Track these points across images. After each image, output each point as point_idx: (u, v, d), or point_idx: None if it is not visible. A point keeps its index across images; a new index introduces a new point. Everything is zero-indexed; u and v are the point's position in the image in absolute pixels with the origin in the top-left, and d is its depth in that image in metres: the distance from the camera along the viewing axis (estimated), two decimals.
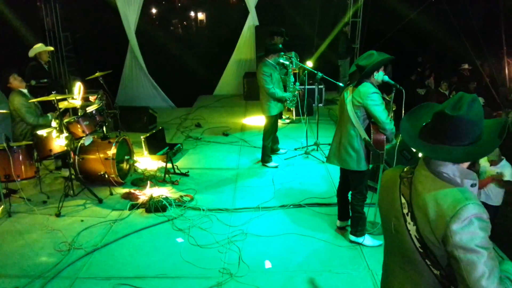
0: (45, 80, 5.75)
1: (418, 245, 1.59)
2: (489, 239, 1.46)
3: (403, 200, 1.66)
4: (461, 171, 1.57)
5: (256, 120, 8.16)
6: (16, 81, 5.29)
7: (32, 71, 6.02)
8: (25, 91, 5.40)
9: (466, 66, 10.20)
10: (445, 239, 1.48)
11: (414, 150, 3.98)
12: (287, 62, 6.23)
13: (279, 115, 6.96)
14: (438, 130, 1.59)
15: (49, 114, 5.46)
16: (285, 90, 6.10)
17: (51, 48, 6.79)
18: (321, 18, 10.38)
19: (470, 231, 1.44)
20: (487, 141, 1.56)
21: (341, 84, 7.43)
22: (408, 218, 1.62)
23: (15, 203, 4.80)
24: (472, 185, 1.58)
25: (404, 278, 1.72)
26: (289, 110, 8.07)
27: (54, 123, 4.87)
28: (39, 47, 6.40)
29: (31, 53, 6.34)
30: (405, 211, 1.64)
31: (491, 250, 1.45)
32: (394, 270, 1.78)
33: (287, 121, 8.14)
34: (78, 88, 5.42)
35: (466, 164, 1.60)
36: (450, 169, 1.57)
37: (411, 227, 1.61)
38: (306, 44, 10.30)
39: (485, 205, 5.04)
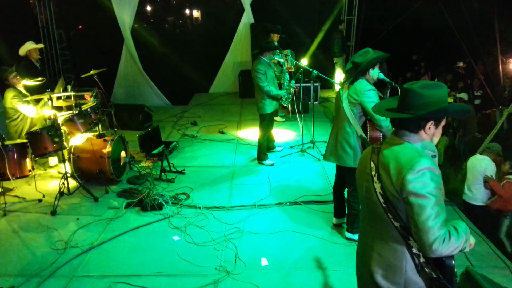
0: (40, 78, 5.71)
1: (382, 200, 1.86)
2: (440, 191, 1.74)
3: (372, 165, 1.94)
4: (422, 142, 1.86)
5: (251, 118, 8.16)
6: (14, 79, 5.25)
7: (23, 70, 5.96)
8: (21, 89, 5.36)
9: (461, 64, 10.27)
10: (401, 187, 1.75)
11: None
12: (282, 60, 6.24)
13: (275, 113, 6.97)
14: (398, 102, 1.91)
15: (44, 99, 5.37)
16: (280, 88, 6.11)
17: (41, 46, 6.68)
18: (316, 15, 10.37)
19: (422, 180, 1.72)
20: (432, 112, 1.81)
21: (336, 82, 7.45)
22: (375, 178, 1.90)
23: (10, 201, 4.77)
24: (433, 156, 1.85)
25: (374, 235, 1.96)
26: (284, 107, 8.08)
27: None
28: (28, 44, 6.32)
29: (21, 52, 6.28)
30: (373, 173, 1.92)
31: (440, 199, 1.73)
32: (366, 229, 2.04)
33: (283, 119, 8.15)
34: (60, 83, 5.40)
35: (427, 136, 1.87)
36: (412, 139, 1.86)
37: (377, 185, 1.88)
38: (302, 42, 10.30)
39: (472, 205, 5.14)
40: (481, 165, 5.31)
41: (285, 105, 6.19)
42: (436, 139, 1.92)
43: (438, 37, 11.77)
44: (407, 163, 1.75)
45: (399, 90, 3.68)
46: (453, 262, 1.80)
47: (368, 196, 1.96)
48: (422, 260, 1.83)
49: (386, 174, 1.83)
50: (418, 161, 1.73)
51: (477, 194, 5.43)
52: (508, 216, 5.07)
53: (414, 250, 1.82)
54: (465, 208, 5.44)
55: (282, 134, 7.21)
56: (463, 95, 8.16)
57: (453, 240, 1.73)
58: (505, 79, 9.17)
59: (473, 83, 9.48)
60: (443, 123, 1.90)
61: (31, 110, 5.30)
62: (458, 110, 1.96)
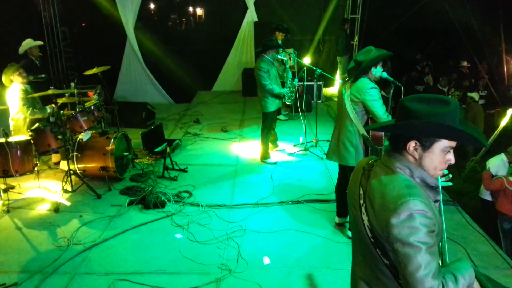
0: (43, 75, 5.73)
1: (370, 234, 1.62)
2: (433, 234, 1.48)
3: (361, 191, 1.70)
4: (411, 168, 1.59)
5: (254, 116, 8.15)
6: (19, 77, 5.26)
7: (24, 68, 5.98)
8: (26, 86, 5.37)
9: (465, 63, 10.22)
10: (386, 231, 1.51)
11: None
12: (285, 58, 6.22)
13: (278, 112, 6.96)
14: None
15: (47, 107, 5.42)
16: (283, 86, 6.09)
17: (40, 42, 6.64)
18: (320, 14, 10.34)
19: (409, 226, 1.45)
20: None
21: (340, 80, 7.43)
22: (363, 209, 1.66)
23: (13, 198, 4.79)
24: (433, 188, 1.61)
25: (365, 267, 1.76)
26: (287, 106, 8.06)
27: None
28: (27, 42, 6.31)
29: (21, 50, 6.28)
30: (361, 201, 1.68)
31: (431, 245, 1.46)
32: (357, 257, 1.83)
33: (286, 117, 8.14)
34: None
35: (413, 160, 1.60)
36: (402, 164, 1.60)
37: (365, 217, 1.64)
38: (305, 40, 10.28)
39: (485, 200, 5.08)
40: (494, 163, 5.28)
41: (288, 103, 6.18)
42: (428, 166, 1.59)
43: (442, 36, 11.72)
44: (392, 203, 1.49)
45: (402, 89, 3.69)
46: None
47: (356, 224, 1.73)
48: None
49: (372, 209, 1.59)
50: (405, 202, 1.47)
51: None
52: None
53: None
54: (481, 205, 5.38)
55: (285, 132, 7.19)
56: (475, 95, 8.04)
57: None
58: (510, 79, 9.12)
59: (479, 83, 9.43)
60: (438, 146, 1.56)
61: (27, 111, 5.29)
62: (447, 134, 1.55)
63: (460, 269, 1.60)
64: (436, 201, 1.65)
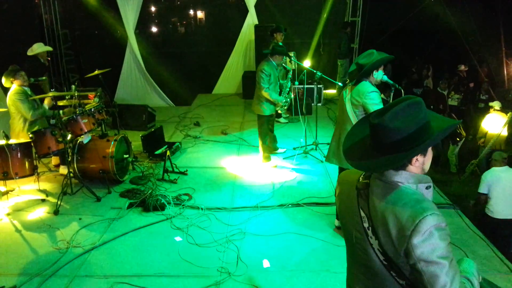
0: (44, 77, 5.74)
1: (382, 258, 1.58)
2: (450, 244, 1.48)
3: (363, 214, 1.64)
4: (414, 177, 1.57)
5: (254, 119, 8.13)
6: (20, 80, 5.27)
7: (31, 68, 6.04)
8: (26, 88, 5.38)
9: (462, 67, 10.24)
10: (407, 252, 1.47)
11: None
12: (288, 67, 6.21)
13: (278, 115, 6.96)
14: (369, 140, 1.59)
15: (44, 104, 5.40)
16: (280, 94, 6.08)
17: (50, 48, 6.81)
18: (321, 16, 10.37)
19: (431, 243, 1.44)
20: (419, 147, 1.51)
21: (339, 83, 7.44)
22: (370, 232, 1.61)
23: (13, 200, 4.78)
24: (427, 188, 1.58)
25: (368, 286, 1.71)
26: (278, 115, 7.98)
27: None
28: (39, 46, 6.43)
29: (30, 52, 6.36)
30: (366, 225, 1.62)
31: (452, 257, 1.46)
32: (359, 278, 1.77)
33: (286, 120, 8.14)
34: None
35: (416, 169, 1.58)
36: (403, 177, 1.56)
37: (373, 241, 1.59)
38: (306, 43, 10.30)
39: (489, 217, 5.04)
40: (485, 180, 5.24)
41: (280, 111, 6.13)
42: (427, 166, 1.63)
43: (442, 39, 11.74)
44: (409, 223, 1.46)
45: (402, 92, 3.70)
46: None
47: (361, 250, 1.67)
48: None
49: (385, 233, 1.53)
50: (423, 220, 1.44)
51: None
52: None
53: None
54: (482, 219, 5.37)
55: (285, 135, 7.20)
56: (496, 104, 7.67)
57: None
58: (510, 82, 9.13)
59: (481, 87, 9.43)
60: (429, 149, 1.61)
61: (28, 113, 5.30)
62: (446, 133, 1.58)
63: (469, 269, 1.63)
64: None
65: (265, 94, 5.51)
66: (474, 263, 1.68)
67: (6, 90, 5.55)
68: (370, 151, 1.59)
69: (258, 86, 5.61)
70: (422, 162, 1.59)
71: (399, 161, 1.52)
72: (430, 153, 1.61)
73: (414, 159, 1.55)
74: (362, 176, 1.69)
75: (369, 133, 1.60)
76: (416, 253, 1.45)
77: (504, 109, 7.38)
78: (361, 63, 3.51)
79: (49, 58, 6.75)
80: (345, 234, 1.81)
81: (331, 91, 10.31)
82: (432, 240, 1.44)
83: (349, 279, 1.88)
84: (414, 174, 1.57)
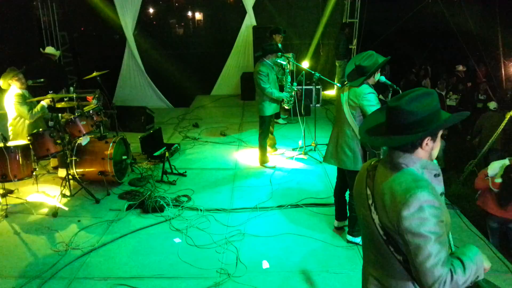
0: (42, 80, 5.73)
1: (381, 232, 1.69)
2: (442, 224, 1.55)
3: (368, 192, 1.77)
4: (421, 162, 1.67)
5: (253, 120, 8.16)
6: (18, 82, 5.26)
7: (40, 67, 6.40)
8: (24, 91, 5.38)
9: (460, 67, 10.27)
10: (397, 224, 1.57)
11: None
12: (284, 63, 6.23)
13: (276, 116, 6.97)
14: (386, 121, 1.73)
15: (42, 102, 5.39)
16: (282, 91, 6.09)
17: (58, 53, 7.54)
18: (319, 18, 10.38)
19: (419, 217, 1.53)
20: (428, 129, 1.62)
21: (338, 84, 7.45)
22: (373, 208, 1.73)
23: (12, 203, 4.78)
24: (436, 175, 1.69)
25: (376, 264, 1.82)
26: (286, 110, 8.08)
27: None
28: (50, 49, 7.17)
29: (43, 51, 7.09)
30: (370, 201, 1.75)
31: (441, 234, 1.54)
32: (368, 256, 1.89)
33: (285, 121, 8.15)
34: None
35: (425, 153, 1.68)
36: (410, 160, 1.66)
37: (375, 216, 1.71)
38: (304, 44, 10.31)
39: None
40: (494, 166, 5.24)
41: (287, 107, 6.19)
42: (435, 152, 1.72)
43: (440, 39, 11.77)
44: (401, 196, 1.57)
45: (400, 93, 3.70)
46: None
47: (366, 225, 1.80)
48: None
49: (382, 207, 1.66)
50: (414, 194, 1.54)
51: None
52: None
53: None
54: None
55: (284, 136, 7.20)
56: (491, 104, 7.67)
57: (457, 277, 1.56)
58: (508, 82, 9.15)
59: (480, 87, 9.45)
60: (440, 133, 1.71)
61: (27, 115, 5.29)
62: (456, 121, 1.72)
63: (467, 253, 1.67)
64: (441, 194, 1.72)
65: (268, 94, 5.53)
66: (479, 251, 1.70)
67: (3, 91, 5.55)
68: (384, 131, 1.73)
69: (258, 88, 5.62)
70: (431, 147, 1.68)
71: (410, 140, 1.63)
72: (439, 141, 1.71)
73: (425, 142, 1.65)
74: (374, 160, 1.85)
75: (384, 119, 1.74)
76: (404, 224, 1.54)
77: (502, 109, 7.39)
78: (363, 65, 3.49)
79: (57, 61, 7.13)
80: (358, 214, 1.93)
81: (330, 93, 10.32)
82: (420, 214, 1.53)
83: (364, 261, 1.99)
84: (421, 159, 1.67)
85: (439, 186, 1.71)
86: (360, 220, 1.90)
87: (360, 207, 1.85)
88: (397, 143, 1.66)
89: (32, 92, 5.59)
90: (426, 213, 1.52)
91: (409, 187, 1.57)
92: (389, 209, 1.61)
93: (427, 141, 1.65)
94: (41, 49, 7.31)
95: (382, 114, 1.79)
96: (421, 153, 1.67)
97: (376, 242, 1.75)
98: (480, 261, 1.67)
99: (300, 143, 6.56)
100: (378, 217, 1.69)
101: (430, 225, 1.52)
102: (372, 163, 1.84)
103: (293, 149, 6.58)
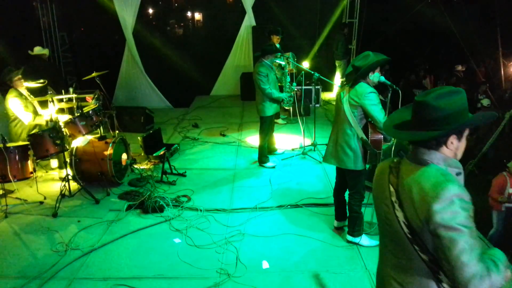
0: (42, 80, 5.74)
1: (406, 230, 1.65)
2: (471, 219, 1.51)
3: (392, 189, 1.74)
4: (445, 159, 1.65)
5: (253, 121, 8.15)
6: (18, 82, 5.27)
7: (32, 69, 6.28)
8: (23, 91, 5.38)
9: (459, 67, 10.27)
10: (428, 219, 1.53)
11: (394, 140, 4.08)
12: (283, 63, 6.24)
13: (276, 116, 6.97)
14: (412, 117, 1.72)
15: (42, 121, 5.41)
16: (281, 91, 6.10)
17: (46, 53, 7.37)
18: (317, 18, 10.39)
19: (451, 210, 1.50)
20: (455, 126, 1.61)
21: (335, 83, 7.46)
22: (397, 205, 1.69)
23: (11, 203, 4.77)
24: (457, 174, 1.66)
25: (396, 264, 1.77)
26: (286, 110, 8.09)
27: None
28: (39, 49, 6.92)
29: (31, 53, 6.82)
30: (393, 198, 1.71)
31: (473, 229, 1.50)
32: (387, 256, 1.84)
33: (284, 121, 8.15)
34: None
35: (450, 152, 1.67)
36: (433, 157, 1.65)
37: (399, 214, 1.67)
38: (303, 44, 10.32)
39: None
40: None
41: (286, 107, 6.21)
42: (460, 153, 1.71)
43: (439, 39, 11.77)
44: (432, 190, 1.54)
45: (400, 93, 3.71)
46: None
47: (388, 223, 1.76)
48: None
49: (409, 202, 1.62)
50: (445, 187, 1.52)
51: None
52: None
53: (445, 286, 1.63)
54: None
55: (284, 136, 7.20)
56: (485, 102, 7.80)
57: (493, 277, 1.50)
58: (507, 82, 9.16)
59: (480, 88, 9.46)
60: (466, 133, 1.69)
61: (26, 116, 5.30)
62: (484, 120, 1.72)
63: (497, 255, 1.63)
64: None
65: (267, 94, 5.54)
66: (504, 255, 1.68)
67: (3, 92, 5.55)
68: (409, 126, 1.72)
69: (258, 89, 5.63)
70: (456, 147, 1.67)
71: (435, 136, 1.62)
72: (464, 141, 1.69)
73: (450, 141, 1.64)
74: (397, 158, 1.83)
75: (409, 117, 1.73)
76: (437, 218, 1.50)
77: (502, 109, 7.39)
78: (357, 65, 3.53)
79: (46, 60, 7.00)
80: (377, 213, 1.90)
81: (330, 95, 10.32)
82: (452, 207, 1.50)
83: (380, 262, 1.95)
84: (446, 156, 1.66)
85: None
86: (380, 219, 1.86)
87: (380, 205, 1.82)
88: (421, 138, 1.66)
89: (32, 92, 5.59)
90: (457, 206, 1.50)
91: (439, 181, 1.55)
92: (418, 204, 1.58)
93: (452, 139, 1.64)
94: (29, 52, 7.17)
95: (408, 111, 1.78)
96: (446, 151, 1.66)
97: (399, 241, 1.71)
98: (506, 265, 1.62)
99: (300, 143, 6.56)
100: (403, 214, 1.65)
101: (462, 218, 1.49)
102: (395, 160, 1.82)
103: (293, 149, 6.59)
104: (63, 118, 5.17)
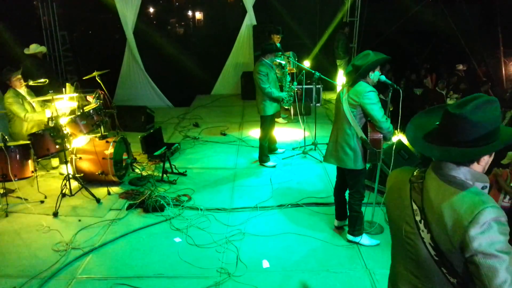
0: (43, 80, 5.74)
1: (433, 253, 1.54)
2: (508, 243, 1.42)
3: (415, 207, 1.61)
4: (473, 174, 1.53)
5: (253, 120, 8.15)
6: (17, 81, 5.27)
7: (29, 68, 6.20)
8: (22, 91, 5.38)
9: (460, 66, 10.25)
10: (463, 245, 1.42)
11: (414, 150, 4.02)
12: (283, 62, 6.23)
13: (277, 115, 6.97)
14: (442, 129, 1.56)
15: (44, 112, 5.41)
16: (281, 90, 6.09)
17: (43, 50, 7.25)
18: (318, 17, 10.38)
19: (490, 236, 1.39)
20: (492, 145, 1.50)
21: (338, 83, 7.46)
22: (422, 226, 1.57)
23: (12, 202, 4.78)
24: (483, 188, 1.54)
25: (416, 286, 1.67)
26: (286, 109, 8.09)
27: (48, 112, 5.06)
28: (35, 47, 6.77)
29: (27, 52, 6.57)
30: (418, 218, 1.59)
31: (511, 254, 1.40)
32: (403, 275, 1.73)
33: (285, 120, 8.15)
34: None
35: (480, 167, 1.56)
36: (462, 172, 1.53)
37: (425, 235, 1.56)
38: (304, 44, 10.31)
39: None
40: None
41: (286, 107, 6.20)
42: (487, 166, 1.60)
43: (440, 39, 11.76)
44: (467, 214, 1.41)
45: (401, 92, 3.71)
46: None
47: (410, 244, 1.63)
48: None
49: (439, 225, 1.49)
50: (483, 211, 1.40)
51: None
52: None
53: None
54: None
55: (284, 136, 7.20)
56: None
57: None
58: (507, 81, 9.15)
59: (481, 88, 9.44)
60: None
61: (22, 114, 5.30)
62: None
63: None
64: None
65: (267, 93, 5.53)
66: None
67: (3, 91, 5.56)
68: (440, 139, 1.56)
69: (258, 88, 5.63)
70: (486, 162, 1.57)
71: (474, 156, 1.50)
72: (492, 156, 1.58)
73: (482, 158, 1.53)
74: (416, 171, 1.69)
75: (434, 123, 1.59)
76: (474, 245, 1.39)
77: (503, 108, 7.38)
78: (357, 64, 3.52)
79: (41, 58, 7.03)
80: (392, 228, 1.78)
81: (332, 95, 10.32)
82: (490, 232, 1.39)
83: (393, 277, 1.84)
84: (474, 171, 1.54)
85: None
86: (396, 236, 1.74)
87: (399, 223, 1.69)
88: (459, 158, 1.51)
89: (34, 91, 5.60)
90: (495, 230, 1.39)
91: (474, 203, 1.43)
92: (452, 230, 1.45)
93: (485, 156, 1.54)
94: (25, 51, 6.97)
95: (430, 117, 1.64)
96: (476, 167, 1.54)
97: (423, 262, 1.59)
98: None
99: (300, 142, 6.55)
100: (430, 236, 1.52)
101: (502, 244, 1.38)
102: (415, 173, 1.67)
103: (293, 149, 6.58)
104: (65, 117, 5.16)
